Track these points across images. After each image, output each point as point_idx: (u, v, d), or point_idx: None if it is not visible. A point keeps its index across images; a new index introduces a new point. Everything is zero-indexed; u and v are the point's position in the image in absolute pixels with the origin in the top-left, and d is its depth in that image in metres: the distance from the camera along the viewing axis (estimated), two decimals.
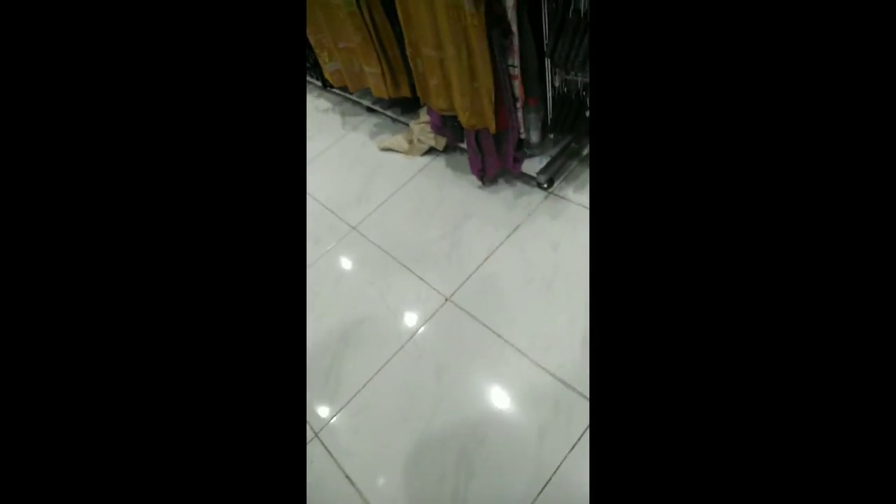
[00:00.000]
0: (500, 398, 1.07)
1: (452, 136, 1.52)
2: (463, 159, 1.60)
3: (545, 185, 1.45)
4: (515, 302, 1.23)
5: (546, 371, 1.09)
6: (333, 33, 1.49)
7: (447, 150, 1.68)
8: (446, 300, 1.28)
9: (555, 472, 0.94)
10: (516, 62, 1.14)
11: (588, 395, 1.02)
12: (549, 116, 1.32)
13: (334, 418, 1.13)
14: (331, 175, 1.78)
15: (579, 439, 0.96)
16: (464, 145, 1.47)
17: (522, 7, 1.02)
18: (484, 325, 1.20)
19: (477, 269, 1.33)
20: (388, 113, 1.87)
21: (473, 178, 1.53)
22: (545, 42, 1.10)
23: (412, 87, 1.43)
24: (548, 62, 1.16)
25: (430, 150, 1.72)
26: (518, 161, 1.43)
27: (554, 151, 1.43)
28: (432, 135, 1.61)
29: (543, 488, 0.93)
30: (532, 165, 1.43)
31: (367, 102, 1.91)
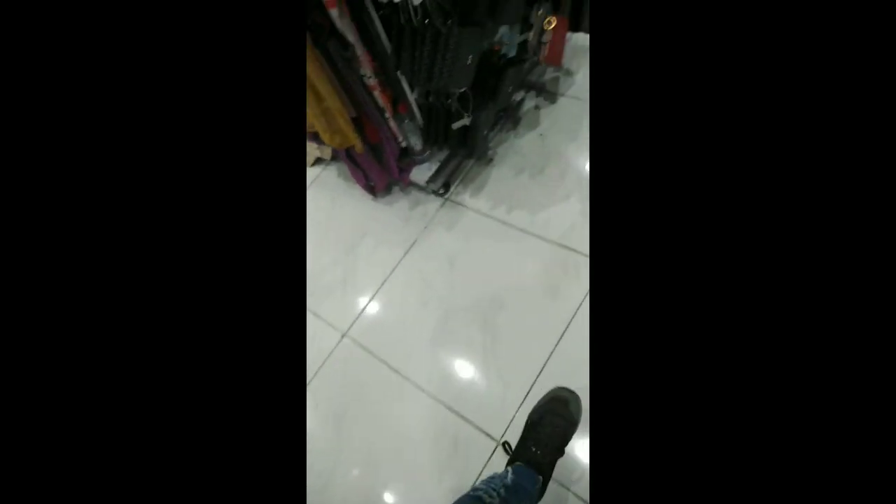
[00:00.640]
0: (399, 437, 1.02)
1: (332, 149, 1.37)
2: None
3: (441, 192, 1.34)
4: (411, 331, 1.15)
5: (443, 405, 1.03)
6: None
7: (336, 159, 1.52)
8: (343, 336, 1.19)
9: None
10: (369, 72, 0.99)
11: (484, 429, 0.99)
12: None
13: None
14: None
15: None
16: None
17: (359, 14, 0.86)
18: (383, 361, 1.13)
19: (374, 296, 1.23)
20: None
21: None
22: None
23: None
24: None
25: (319, 161, 1.56)
26: (405, 170, 1.31)
27: (443, 155, 1.31)
28: (315, 144, 1.45)
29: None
30: (422, 173, 1.31)
31: None
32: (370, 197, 1.40)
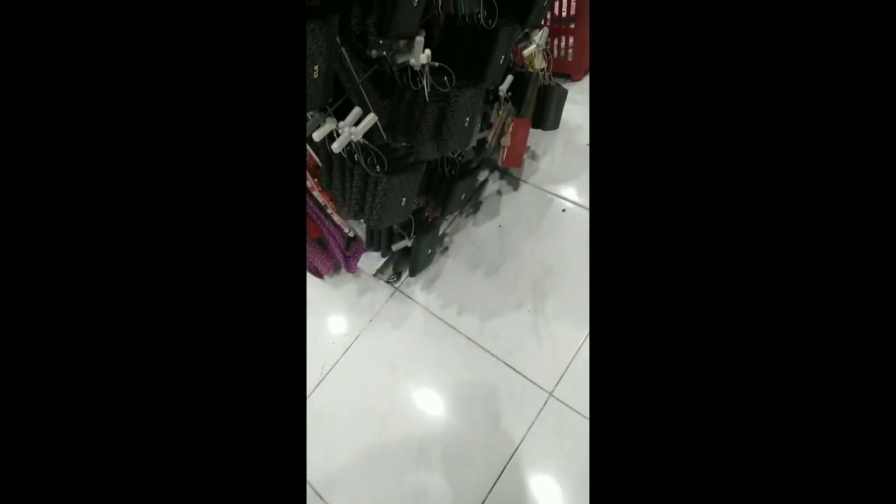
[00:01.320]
0: None
1: None
2: None
3: (391, 280, 1.25)
4: (345, 451, 1.05)
5: None
6: None
7: None
8: None
9: None
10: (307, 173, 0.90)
11: None
12: None
13: None
14: None
15: None
16: None
17: None
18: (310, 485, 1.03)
19: (308, 397, 1.13)
20: None
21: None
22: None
23: None
24: None
25: None
26: (352, 258, 1.22)
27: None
28: None
29: None
30: (371, 261, 1.22)
31: None
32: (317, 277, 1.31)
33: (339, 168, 0.75)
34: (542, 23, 1.04)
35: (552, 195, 1.31)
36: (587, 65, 1.50)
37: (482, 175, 1.36)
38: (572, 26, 1.35)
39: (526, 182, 1.35)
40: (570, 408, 1.00)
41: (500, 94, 0.96)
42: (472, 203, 1.33)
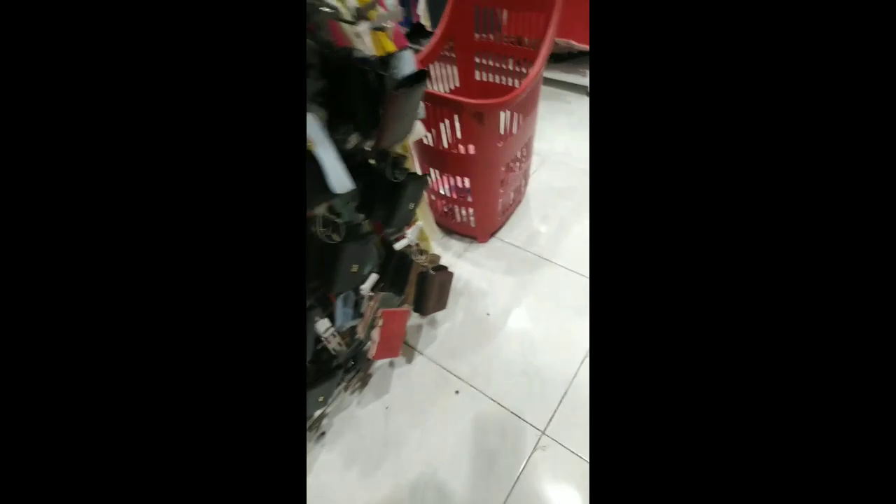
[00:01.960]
0: None
1: None
2: None
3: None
4: None
5: None
6: None
7: None
8: None
9: None
10: None
11: None
12: None
13: None
14: None
15: None
16: None
17: None
18: None
19: None
20: None
21: None
22: None
23: None
24: None
25: None
26: None
27: None
28: None
29: None
30: None
31: None
32: None
33: None
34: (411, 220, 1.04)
35: (447, 372, 1.21)
36: (492, 228, 1.53)
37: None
38: (469, 199, 1.40)
39: (421, 353, 1.26)
40: None
41: (363, 294, 0.92)
42: (363, 372, 1.21)
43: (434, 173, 1.44)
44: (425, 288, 1.03)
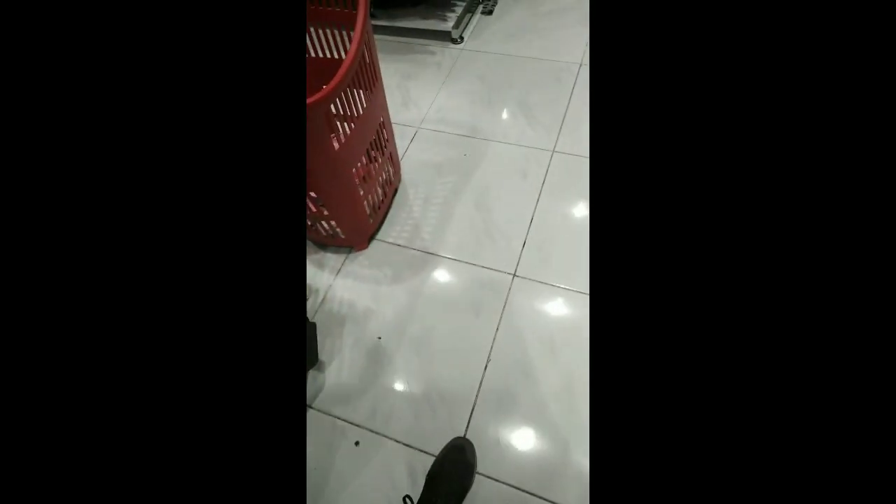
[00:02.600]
0: None
1: None
2: None
3: None
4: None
5: None
6: None
7: None
8: None
9: None
10: None
11: None
12: None
13: None
14: None
15: None
16: None
17: None
18: None
19: None
20: None
21: None
22: None
23: None
24: None
25: None
26: None
27: None
28: None
29: None
30: None
31: None
32: None
33: None
34: None
35: (342, 421, 1.06)
36: (368, 232, 1.34)
37: None
38: (326, 212, 1.18)
39: (309, 407, 1.09)
40: None
41: None
42: None
43: None
44: None
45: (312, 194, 1.15)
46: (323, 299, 1.25)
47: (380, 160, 1.29)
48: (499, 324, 1.16)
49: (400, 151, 1.57)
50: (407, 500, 0.89)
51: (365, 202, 1.23)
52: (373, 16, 2.00)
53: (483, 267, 1.27)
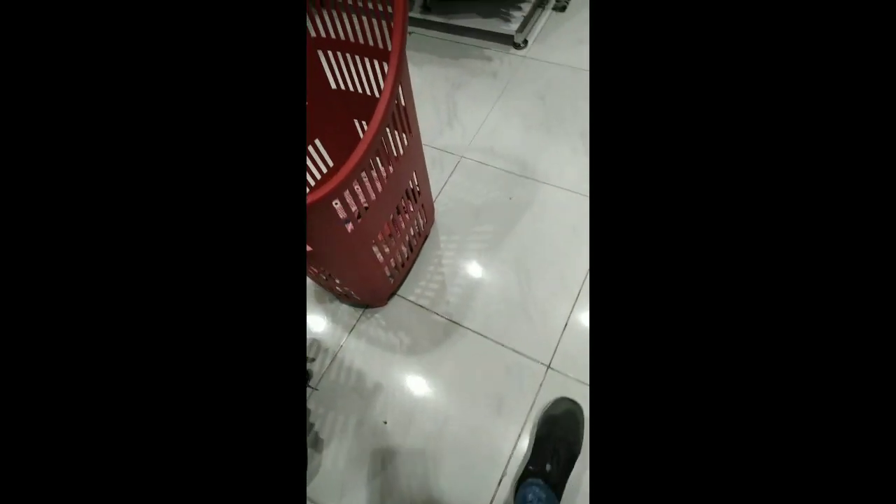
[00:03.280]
0: None
1: None
2: None
3: None
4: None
5: None
6: None
7: None
8: None
9: None
10: None
11: None
12: None
13: None
14: None
15: None
16: None
17: None
18: None
19: None
20: None
21: None
22: None
23: None
24: None
25: None
26: None
27: None
28: None
29: None
30: None
31: None
32: None
33: None
34: None
35: None
36: (387, 293, 1.19)
37: None
38: (338, 281, 1.03)
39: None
40: None
41: None
42: None
43: None
44: None
45: (315, 270, 1.00)
46: (331, 362, 1.14)
47: (411, 209, 1.12)
48: (522, 428, 1.01)
49: (437, 184, 1.38)
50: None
51: (386, 267, 1.08)
52: (428, 9, 1.75)
53: (513, 350, 1.11)
